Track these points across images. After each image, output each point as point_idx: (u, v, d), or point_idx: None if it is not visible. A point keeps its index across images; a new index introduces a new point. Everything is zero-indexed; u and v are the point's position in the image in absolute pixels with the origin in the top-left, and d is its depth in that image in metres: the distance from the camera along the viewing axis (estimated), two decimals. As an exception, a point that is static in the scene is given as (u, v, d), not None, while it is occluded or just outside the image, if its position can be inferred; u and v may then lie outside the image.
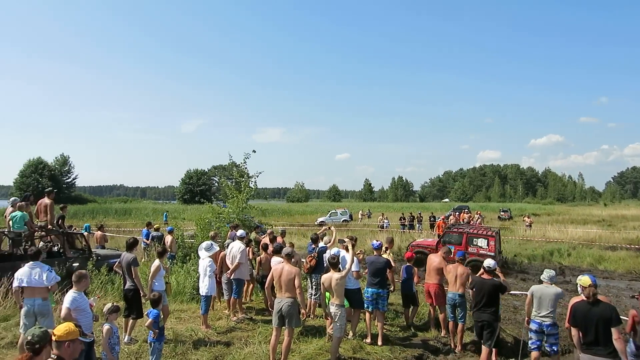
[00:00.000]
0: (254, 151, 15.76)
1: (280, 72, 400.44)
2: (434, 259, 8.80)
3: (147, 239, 15.54)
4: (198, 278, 9.48)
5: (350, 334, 7.88)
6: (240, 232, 9.99)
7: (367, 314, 8.22)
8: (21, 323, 6.30)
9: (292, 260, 6.87)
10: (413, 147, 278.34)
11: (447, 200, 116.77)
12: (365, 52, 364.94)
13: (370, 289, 8.16)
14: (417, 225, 32.00)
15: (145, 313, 6.52)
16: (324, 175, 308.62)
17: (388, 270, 8.21)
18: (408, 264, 9.33)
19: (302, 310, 6.71)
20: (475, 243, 15.15)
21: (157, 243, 14.06)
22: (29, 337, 3.30)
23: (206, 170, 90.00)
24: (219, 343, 7.64)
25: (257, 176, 15.64)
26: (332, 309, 6.87)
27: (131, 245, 7.87)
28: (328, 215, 39.06)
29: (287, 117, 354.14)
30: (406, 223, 31.65)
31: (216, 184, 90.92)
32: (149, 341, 5.98)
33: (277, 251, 8.71)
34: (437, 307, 8.69)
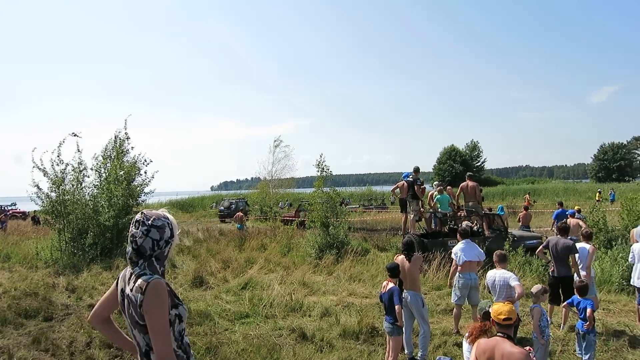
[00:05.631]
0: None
1: None
2: None
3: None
4: (629, 267, 8.35)
5: None
6: None
7: None
8: (458, 295, 7.04)
9: None
10: None
11: None
12: None
13: None
14: None
15: (566, 302, 6.15)
16: None
17: None
18: None
19: None
20: None
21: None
22: (487, 308, 3.68)
23: (625, 142, 78.17)
24: (664, 346, 6.48)
25: None
26: None
27: (565, 229, 7.52)
28: None
29: None
30: None
31: (638, 158, 77.81)
32: (580, 331, 5.61)
33: None
34: None
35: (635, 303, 7.67)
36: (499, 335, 3.47)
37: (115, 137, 15.20)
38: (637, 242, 7.71)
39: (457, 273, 7.04)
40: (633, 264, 7.65)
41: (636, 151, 79.20)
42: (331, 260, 12.18)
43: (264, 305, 8.36)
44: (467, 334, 4.13)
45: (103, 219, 13.81)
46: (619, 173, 70.49)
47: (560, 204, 15.94)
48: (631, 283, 7.77)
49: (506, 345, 3.33)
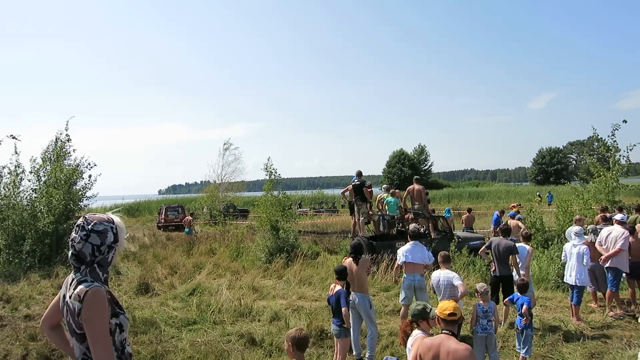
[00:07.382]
0: (625, 121, 13.51)
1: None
2: None
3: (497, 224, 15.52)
4: (563, 265, 8.81)
5: None
6: (620, 215, 8.72)
7: None
8: (402, 295, 7.18)
9: None
10: None
11: None
12: None
13: None
14: None
15: (507, 299, 6.43)
16: None
17: None
18: None
19: None
20: None
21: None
22: (415, 312, 3.76)
23: (561, 147, 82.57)
24: (594, 339, 6.86)
25: (630, 150, 13.26)
26: None
27: (507, 231, 7.81)
28: None
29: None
30: None
31: (574, 162, 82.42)
32: (519, 327, 5.86)
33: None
34: None
35: (569, 299, 8.10)
36: (444, 333, 3.56)
37: (56, 139, 14.54)
38: (568, 241, 8.14)
39: (403, 274, 7.18)
40: (566, 263, 8.10)
41: (571, 155, 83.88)
42: (281, 264, 12.14)
43: (212, 311, 8.21)
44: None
45: (42, 225, 13.17)
46: (556, 176, 74.28)
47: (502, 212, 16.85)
48: (564, 280, 8.21)
49: (451, 343, 3.41)
